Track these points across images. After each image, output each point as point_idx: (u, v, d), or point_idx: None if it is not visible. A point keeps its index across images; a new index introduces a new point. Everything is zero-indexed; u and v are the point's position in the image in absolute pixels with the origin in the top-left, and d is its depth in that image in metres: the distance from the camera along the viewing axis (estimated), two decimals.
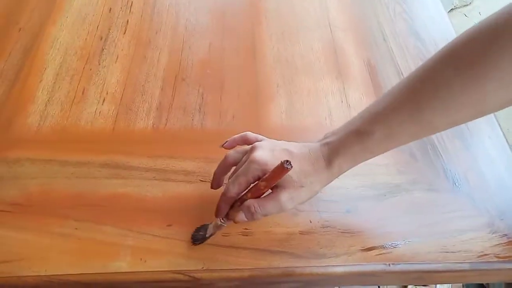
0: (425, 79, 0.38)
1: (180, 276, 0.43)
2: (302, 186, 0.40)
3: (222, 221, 0.43)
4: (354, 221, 0.48)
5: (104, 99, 0.56)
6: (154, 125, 0.55)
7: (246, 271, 0.44)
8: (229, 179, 0.44)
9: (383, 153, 0.42)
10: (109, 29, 0.65)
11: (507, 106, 0.36)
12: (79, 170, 0.49)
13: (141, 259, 0.43)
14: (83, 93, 0.57)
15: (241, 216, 0.42)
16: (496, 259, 0.47)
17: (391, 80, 0.62)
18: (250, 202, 0.41)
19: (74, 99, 0.56)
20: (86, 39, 0.63)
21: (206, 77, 0.60)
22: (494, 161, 0.54)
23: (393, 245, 0.47)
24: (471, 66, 0.35)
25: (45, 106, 0.55)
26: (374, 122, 0.40)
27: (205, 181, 0.50)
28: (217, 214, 0.43)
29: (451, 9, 1.95)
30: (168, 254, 0.44)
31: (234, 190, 0.41)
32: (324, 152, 0.41)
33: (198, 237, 0.45)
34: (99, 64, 0.60)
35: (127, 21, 0.66)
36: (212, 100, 0.58)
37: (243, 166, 0.41)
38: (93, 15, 0.66)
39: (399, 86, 0.40)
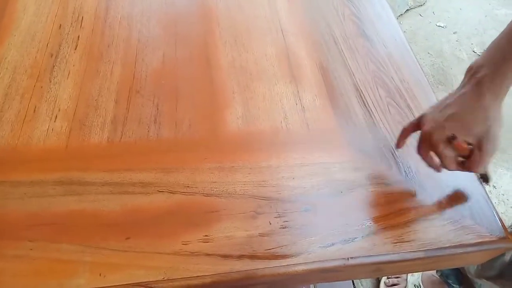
0: None
1: None
2: (490, 126, 0.45)
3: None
4: (312, 219, 0.49)
5: (56, 116, 0.56)
6: (109, 139, 0.54)
7: (208, 277, 0.44)
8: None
9: None
10: (60, 45, 0.64)
11: None
12: (32, 190, 0.48)
13: (100, 274, 0.43)
14: (34, 111, 0.56)
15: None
16: (449, 245, 0.49)
17: (343, 81, 0.64)
18: (469, 168, 0.48)
19: (25, 118, 0.55)
20: (36, 57, 0.62)
21: (161, 87, 0.60)
22: None
23: (351, 239, 0.48)
24: None
25: None
26: None
27: (163, 191, 0.50)
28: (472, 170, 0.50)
29: (407, 10, 2.03)
30: (128, 267, 0.44)
31: (454, 167, 0.49)
32: (484, 89, 0.45)
33: (485, 179, 0.53)
34: (50, 81, 0.59)
35: (78, 37, 0.65)
36: (167, 110, 0.58)
37: (437, 153, 0.49)
38: (43, 33, 0.65)
39: None
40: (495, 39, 0.46)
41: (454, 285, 1.02)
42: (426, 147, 0.50)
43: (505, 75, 0.44)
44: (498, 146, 0.46)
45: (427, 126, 0.49)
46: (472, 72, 0.47)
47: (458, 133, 0.46)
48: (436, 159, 0.50)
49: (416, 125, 0.52)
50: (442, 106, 0.48)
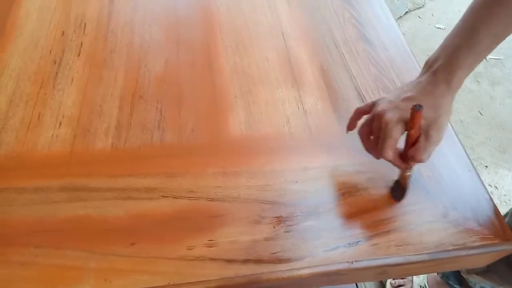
0: None
1: None
2: (440, 115, 0.46)
3: (408, 171, 0.50)
4: (315, 223, 0.49)
5: (60, 123, 0.56)
6: (114, 145, 0.54)
7: (213, 282, 0.44)
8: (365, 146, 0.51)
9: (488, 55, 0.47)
10: (63, 52, 0.64)
11: None
12: (37, 196, 0.49)
13: (105, 280, 0.43)
14: (38, 118, 0.56)
15: (411, 164, 0.49)
16: (452, 248, 0.49)
17: (345, 84, 0.65)
18: (412, 152, 0.47)
19: (29, 124, 0.55)
20: (39, 63, 0.62)
21: (164, 93, 0.61)
22: (445, 154, 0.57)
23: (355, 242, 0.48)
24: None
25: None
26: (477, 32, 0.45)
27: (167, 196, 0.50)
28: (401, 168, 0.50)
29: (406, 12, 2.03)
30: (133, 273, 0.44)
31: (390, 154, 0.47)
32: (439, 78, 0.47)
33: (400, 193, 0.52)
34: (54, 88, 0.60)
35: (81, 43, 0.66)
36: (170, 115, 0.58)
37: (383, 132, 0.47)
38: (46, 39, 0.66)
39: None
40: (449, 33, 0.48)
41: (454, 286, 1.02)
42: (369, 129, 0.50)
43: (458, 65, 0.46)
44: (442, 138, 0.47)
45: (381, 106, 0.48)
46: (428, 64, 0.49)
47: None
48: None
49: (371, 106, 0.51)
50: (398, 91, 0.50)
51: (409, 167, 0.50)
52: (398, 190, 0.52)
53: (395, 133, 0.46)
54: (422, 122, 0.46)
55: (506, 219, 0.75)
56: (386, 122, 0.47)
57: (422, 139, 0.47)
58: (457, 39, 0.47)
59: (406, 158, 0.48)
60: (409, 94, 0.48)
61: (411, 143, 0.47)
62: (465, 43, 0.46)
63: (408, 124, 0.46)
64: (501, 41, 0.47)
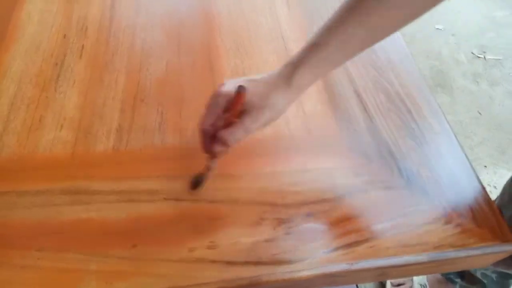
0: None
1: None
2: (264, 107, 0.44)
3: (211, 161, 0.48)
4: (315, 224, 0.50)
5: (62, 125, 0.56)
6: (115, 147, 0.55)
7: (213, 284, 0.44)
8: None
9: (340, 65, 0.45)
10: (65, 55, 0.65)
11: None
12: (39, 199, 0.49)
13: (106, 282, 0.43)
14: (40, 120, 0.57)
15: (217, 147, 0.45)
16: (451, 249, 0.49)
17: (344, 86, 0.65)
18: (220, 132, 0.44)
19: (31, 127, 0.56)
20: (41, 66, 0.63)
21: (165, 95, 0.61)
22: (444, 156, 0.57)
23: (354, 244, 0.49)
24: None
25: (0, 136, 0.54)
26: (327, 34, 0.44)
27: (169, 199, 0.50)
28: (202, 149, 0.47)
29: None
30: (134, 275, 0.44)
31: (207, 121, 0.45)
32: (284, 72, 0.45)
33: (197, 181, 0.50)
34: (56, 91, 0.60)
35: (83, 46, 0.66)
36: (171, 117, 0.59)
37: (211, 100, 0.45)
38: (47, 42, 0.66)
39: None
40: None
41: (455, 280, 1.02)
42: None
43: (302, 61, 0.44)
44: (255, 129, 0.45)
45: (225, 81, 0.46)
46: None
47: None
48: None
49: None
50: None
51: (213, 153, 0.47)
52: (198, 180, 0.50)
53: (218, 105, 0.44)
54: (247, 107, 0.44)
55: (496, 202, 0.75)
56: (217, 93, 0.45)
57: (237, 122, 0.44)
58: (312, 37, 0.45)
59: (215, 140, 0.45)
60: (254, 77, 0.46)
61: (226, 126, 0.45)
62: (315, 41, 0.44)
63: (229, 104, 0.44)
64: (352, 54, 0.45)
